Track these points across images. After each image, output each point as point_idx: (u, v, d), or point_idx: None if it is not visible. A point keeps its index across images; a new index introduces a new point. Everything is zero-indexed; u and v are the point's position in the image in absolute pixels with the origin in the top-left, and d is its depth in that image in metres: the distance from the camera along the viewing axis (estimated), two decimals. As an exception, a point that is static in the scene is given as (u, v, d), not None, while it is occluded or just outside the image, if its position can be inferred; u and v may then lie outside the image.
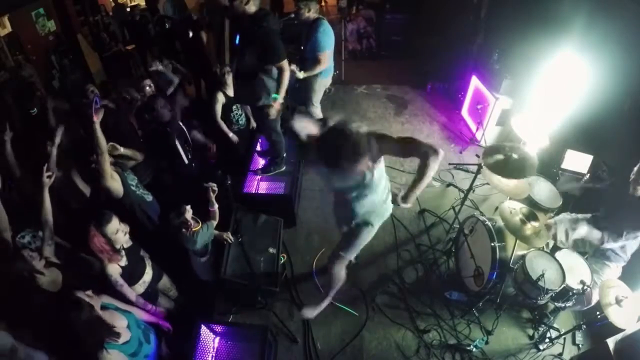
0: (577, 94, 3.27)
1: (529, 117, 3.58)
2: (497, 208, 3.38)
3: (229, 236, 2.85)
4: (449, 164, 4.27)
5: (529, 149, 2.83)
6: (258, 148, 3.98)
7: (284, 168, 3.72)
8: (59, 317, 1.79)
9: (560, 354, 2.74)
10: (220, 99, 3.52)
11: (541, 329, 2.83)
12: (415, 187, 2.01)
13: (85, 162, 2.56)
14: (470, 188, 3.16)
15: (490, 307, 2.92)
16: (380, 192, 2.17)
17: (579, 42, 3.18)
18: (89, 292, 1.84)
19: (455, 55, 5.40)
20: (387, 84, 5.96)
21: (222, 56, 4.66)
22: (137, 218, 2.64)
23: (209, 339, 2.50)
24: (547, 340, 2.74)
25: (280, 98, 2.94)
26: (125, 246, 2.31)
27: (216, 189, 2.65)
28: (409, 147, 2.01)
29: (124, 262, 2.27)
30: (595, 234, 2.54)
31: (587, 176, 3.24)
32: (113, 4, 7.71)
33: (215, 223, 2.71)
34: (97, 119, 2.32)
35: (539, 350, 2.75)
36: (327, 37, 3.65)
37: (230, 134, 3.67)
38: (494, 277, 2.66)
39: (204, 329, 2.44)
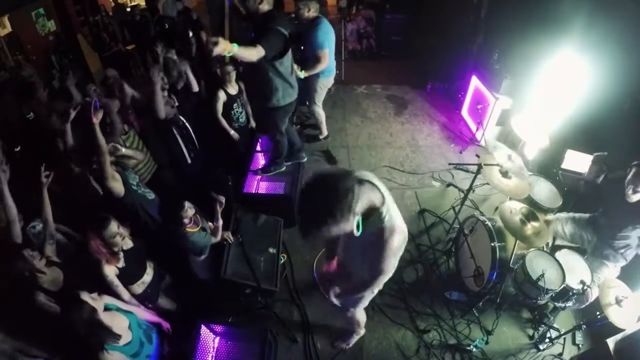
0: (577, 94, 3.27)
1: (529, 117, 3.58)
2: (497, 208, 3.38)
3: (229, 236, 2.85)
4: (449, 164, 4.27)
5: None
6: (258, 148, 3.99)
7: (284, 168, 3.73)
8: (60, 316, 1.79)
9: (560, 354, 2.74)
10: (222, 96, 3.53)
11: (541, 329, 2.83)
12: None
13: (87, 162, 2.55)
14: (470, 188, 3.16)
15: (490, 307, 2.92)
16: None
17: (579, 42, 3.18)
18: (94, 295, 1.84)
19: (455, 55, 5.40)
20: (387, 84, 5.96)
21: (222, 56, 4.66)
22: (139, 217, 2.64)
23: (209, 339, 2.50)
24: (547, 340, 2.74)
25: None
26: (124, 248, 2.31)
27: (223, 202, 2.66)
28: None
29: (121, 264, 2.27)
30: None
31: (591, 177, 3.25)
32: (113, 4, 7.70)
33: (215, 240, 2.73)
34: (96, 120, 2.32)
35: (539, 350, 2.75)
36: (326, 35, 3.66)
37: (232, 132, 3.68)
38: (494, 277, 2.66)
39: (204, 329, 2.44)
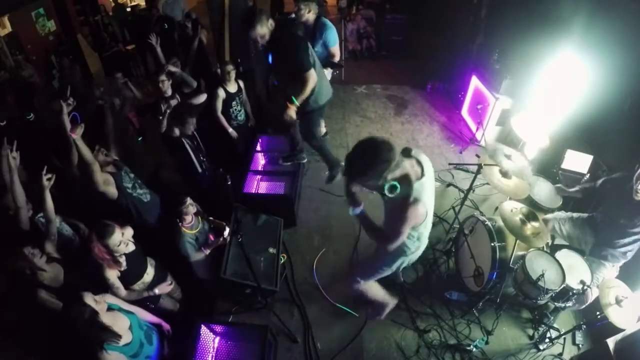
0: (577, 94, 3.27)
1: (529, 117, 3.58)
2: (497, 208, 3.38)
3: (224, 229, 2.87)
4: (449, 164, 4.26)
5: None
6: (258, 148, 3.99)
7: (305, 160, 3.81)
8: (61, 314, 1.80)
9: (560, 354, 2.74)
10: (221, 94, 3.54)
11: (541, 329, 2.83)
12: None
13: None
14: (470, 188, 3.16)
15: (490, 307, 2.92)
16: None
17: (579, 42, 3.18)
18: (98, 297, 1.84)
19: (455, 55, 5.40)
20: (387, 84, 5.96)
21: (222, 55, 4.67)
22: (133, 218, 2.65)
23: (209, 339, 2.50)
24: (547, 340, 2.74)
25: (297, 103, 2.83)
26: (126, 252, 2.31)
27: (226, 235, 2.78)
28: None
29: (123, 267, 2.27)
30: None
31: (587, 176, 3.25)
32: (113, 4, 7.71)
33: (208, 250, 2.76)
34: (75, 135, 2.29)
35: (539, 350, 2.75)
36: (334, 34, 3.69)
37: (230, 129, 3.69)
38: (494, 277, 2.66)
39: (204, 329, 2.44)
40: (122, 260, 2.26)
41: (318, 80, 2.86)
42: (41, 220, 2.34)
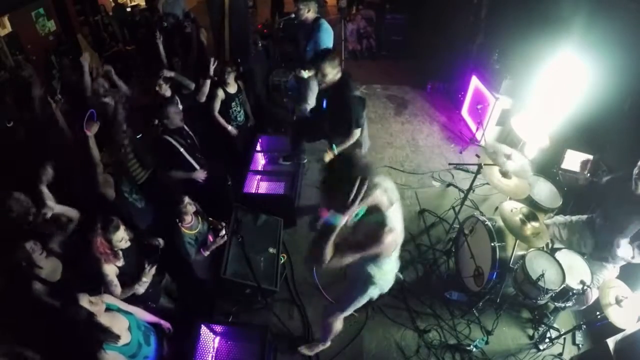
0: (577, 94, 3.27)
1: (529, 117, 3.58)
2: (497, 208, 3.38)
3: (223, 227, 2.88)
4: (449, 164, 4.27)
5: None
6: (258, 148, 3.99)
7: (305, 160, 3.85)
8: (59, 312, 1.81)
9: (560, 354, 2.74)
10: (220, 94, 3.55)
11: (541, 329, 2.83)
12: None
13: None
14: (470, 188, 3.16)
15: (490, 307, 2.92)
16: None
17: (579, 42, 3.18)
18: (94, 299, 1.84)
19: (455, 55, 5.40)
20: (387, 84, 5.96)
21: (222, 55, 4.67)
22: (124, 221, 2.65)
23: (209, 339, 2.50)
24: (547, 340, 2.74)
25: (336, 151, 3.00)
26: (122, 247, 2.31)
27: (223, 234, 2.78)
28: None
29: (121, 262, 2.28)
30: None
31: (587, 176, 3.25)
32: (113, 4, 7.70)
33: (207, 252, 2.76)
34: (90, 133, 2.30)
35: (539, 350, 2.75)
36: (328, 36, 3.68)
37: (229, 127, 3.70)
38: (494, 277, 2.66)
39: (204, 329, 2.44)
40: (120, 255, 2.27)
41: (362, 133, 3.12)
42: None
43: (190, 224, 2.69)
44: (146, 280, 2.44)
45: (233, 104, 3.65)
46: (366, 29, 6.93)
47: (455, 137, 4.85)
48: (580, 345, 2.80)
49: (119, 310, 2.02)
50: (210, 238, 2.89)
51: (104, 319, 1.82)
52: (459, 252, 3.26)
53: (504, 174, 2.83)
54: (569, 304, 2.57)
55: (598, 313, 2.48)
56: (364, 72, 6.32)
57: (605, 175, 3.00)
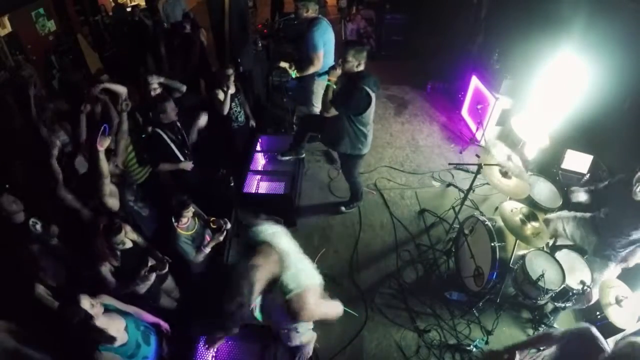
0: (577, 94, 3.27)
1: (529, 117, 3.58)
2: (497, 208, 3.38)
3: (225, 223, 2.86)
4: (449, 164, 4.26)
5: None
6: (258, 148, 3.99)
7: (303, 155, 3.79)
8: (57, 313, 1.81)
9: (560, 354, 2.74)
10: (220, 95, 3.55)
11: (541, 329, 2.82)
12: None
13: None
14: (470, 188, 3.16)
15: (490, 307, 2.92)
16: None
17: (579, 43, 3.18)
18: (94, 301, 1.84)
19: (455, 55, 5.40)
20: (387, 84, 5.95)
21: (222, 56, 4.66)
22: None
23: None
24: (547, 340, 2.74)
25: (327, 80, 2.98)
26: (121, 247, 2.32)
27: (224, 227, 2.74)
28: None
29: (117, 262, 2.29)
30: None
31: (587, 176, 3.25)
32: (113, 4, 7.70)
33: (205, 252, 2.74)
34: (101, 148, 2.27)
35: (539, 350, 2.75)
36: (321, 37, 3.61)
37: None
38: (494, 277, 2.66)
39: (204, 329, 2.43)
40: (118, 255, 2.28)
41: (352, 131, 3.06)
42: (34, 229, 2.31)
43: (186, 224, 2.68)
44: (148, 282, 2.44)
45: (233, 104, 3.65)
46: (366, 29, 6.93)
47: (455, 137, 4.85)
48: (580, 345, 2.79)
49: (116, 310, 2.02)
50: (208, 238, 2.88)
51: (101, 321, 1.82)
52: (459, 252, 3.26)
53: (504, 174, 2.84)
54: (569, 304, 2.57)
55: (598, 313, 2.48)
56: (364, 72, 6.32)
57: (605, 175, 3.01)
